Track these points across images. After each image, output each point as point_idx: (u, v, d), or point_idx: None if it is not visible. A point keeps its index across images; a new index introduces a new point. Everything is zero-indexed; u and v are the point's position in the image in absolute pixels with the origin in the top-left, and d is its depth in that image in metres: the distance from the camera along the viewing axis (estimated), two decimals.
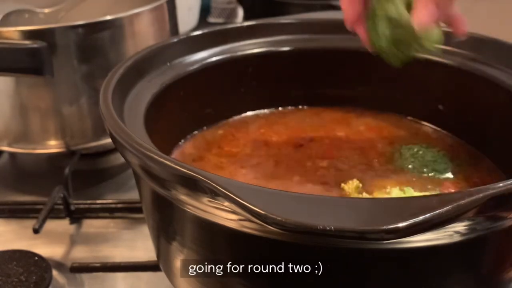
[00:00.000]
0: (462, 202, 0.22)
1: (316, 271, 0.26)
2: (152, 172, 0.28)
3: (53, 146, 0.55)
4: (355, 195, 0.37)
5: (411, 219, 0.21)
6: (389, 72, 0.47)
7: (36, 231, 0.47)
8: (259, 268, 0.28)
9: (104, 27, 0.51)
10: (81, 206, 0.54)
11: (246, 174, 0.41)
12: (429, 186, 0.39)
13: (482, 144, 0.43)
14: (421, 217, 0.21)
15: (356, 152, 0.43)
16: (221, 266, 0.30)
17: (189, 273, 0.32)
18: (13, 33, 0.48)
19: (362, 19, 0.35)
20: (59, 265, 0.47)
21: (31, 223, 0.48)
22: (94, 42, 0.51)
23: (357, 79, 0.49)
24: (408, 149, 0.43)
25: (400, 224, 0.21)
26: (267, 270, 0.28)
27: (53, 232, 0.51)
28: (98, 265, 0.46)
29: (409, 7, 0.33)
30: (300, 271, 0.27)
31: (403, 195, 0.36)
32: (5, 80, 0.51)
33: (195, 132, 0.46)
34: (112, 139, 0.30)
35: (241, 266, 0.29)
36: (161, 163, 0.26)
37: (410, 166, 0.41)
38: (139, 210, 0.51)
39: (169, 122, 0.42)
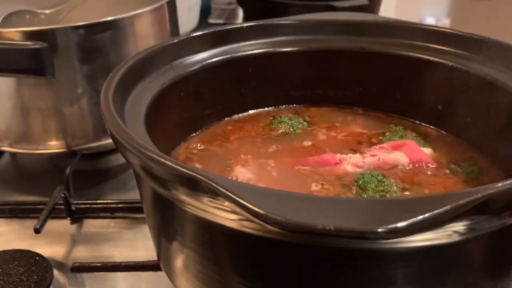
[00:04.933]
0: (461, 202, 0.22)
1: (316, 271, 0.27)
2: (153, 172, 0.28)
3: (54, 146, 0.55)
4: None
5: (410, 219, 0.21)
6: (389, 72, 0.48)
7: (37, 231, 0.47)
8: (259, 268, 0.29)
9: (105, 28, 0.52)
10: (82, 206, 0.54)
11: (246, 173, 0.41)
12: None
13: (482, 144, 0.43)
14: (420, 217, 0.22)
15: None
16: (221, 266, 0.30)
17: (190, 273, 0.32)
18: (14, 34, 0.48)
19: None
20: (60, 265, 0.47)
21: (32, 223, 0.48)
22: (95, 43, 0.52)
23: (356, 80, 0.49)
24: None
25: (400, 224, 0.21)
26: (267, 270, 0.28)
27: (54, 232, 0.52)
28: (99, 265, 0.46)
29: None
30: (300, 271, 0.27)
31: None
32: (7, 80, 0.51)
33: (196, 132, 0.47)
34: (113, 139, 0.30)
35: (241, 266, 0.29)
36: (162, 163, 0.27)
37: None
38: (139, 210, 0.52)
39: (170, 122, 0.42)
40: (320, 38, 0.48)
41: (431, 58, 0.45)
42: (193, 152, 0.44)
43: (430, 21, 2.15)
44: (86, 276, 0.46)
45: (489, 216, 0.25)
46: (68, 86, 0.52)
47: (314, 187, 0.39)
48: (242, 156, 0.43)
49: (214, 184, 0.24)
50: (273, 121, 0.48)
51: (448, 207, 0.22)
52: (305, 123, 0.48)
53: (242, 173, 0.41)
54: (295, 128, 0.47)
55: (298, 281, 0.27)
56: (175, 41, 0.44)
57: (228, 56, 0.46)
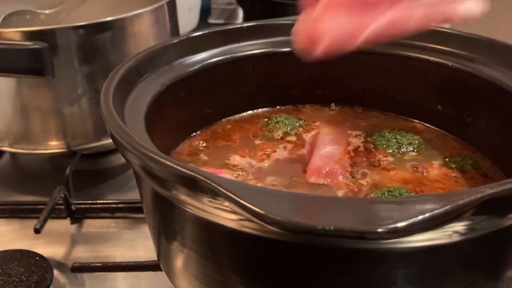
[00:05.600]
0: (460, 202, 0.22)
1: (316, 271, 0.27)
2: (153, 172, 0.28)
3: (54, 146, 0.55)
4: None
5: (410, 219, 0.21)
6: (388, 72, 0.48)
7: (37, 231, 0.47)
8: (259, 268, 0.29)
9: (105, 28, 0.52)
10: (82, 206, 0.54)
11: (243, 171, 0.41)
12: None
13: (482, 144, 0.43)
14: (420, 217, 0.22)
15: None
16: (221, 266, 0.30)
17: (190, 273, 0.32)
18: (14, 34, 0.48)
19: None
20: (60, 265, 0.47)
21: (32, 223, 0.48)
22: (95, 43, 0.52)
23: (356, 80, 0.49)
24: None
25: (399, 224, 0.21)
26: (267, 270, 0.28)
27: (54, 232, 0.52)
28: (99, 265, 0.46)
29: None
30: (300, 271, 0.27)
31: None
32: (7, 80, 0.51)
33: (196, 132, 0.47)
34: (112, 139, 0.30)
35: (241, 266, 0.29)
36: (162, 163, 0.27)
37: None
38: (139, 210, 0.52)
39: (170, 122, 0.42)
40: None
41: (431, 58, 0.45)
42: (193, 151, 0.44)
43: None
44: (86, 276, 0.46)
45: (489, 216, 0.25)
46: (68, 86, 0.52)
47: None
48: (239, 155, 0.43)
49: (214, 184, 0.24)
50: (269, 122, 0.48)
51: (448, 207, 0.22)
52: (305, 122, 0.48)
53: (241, 172, 0.41)
54: (295, 127, 0.47)
55: (298, 281, 0.27)
56: (175, 41, 0.44)
57: (228, 56, 0.46)
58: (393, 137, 0.45)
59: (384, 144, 0.44)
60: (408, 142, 0.44)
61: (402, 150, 0.44)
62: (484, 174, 0.41)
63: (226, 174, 0.40)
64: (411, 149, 0.44)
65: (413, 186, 0.39)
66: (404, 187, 0.38)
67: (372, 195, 0.38)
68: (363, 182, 0.39)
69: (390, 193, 0.37)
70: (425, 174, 0.41)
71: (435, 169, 0.41)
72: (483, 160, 0.42)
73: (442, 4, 0.33)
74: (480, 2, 0.34)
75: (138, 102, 0.37)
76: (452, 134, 0.46)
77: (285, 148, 0.44)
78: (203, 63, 0.44)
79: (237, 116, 0.49)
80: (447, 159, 0.42)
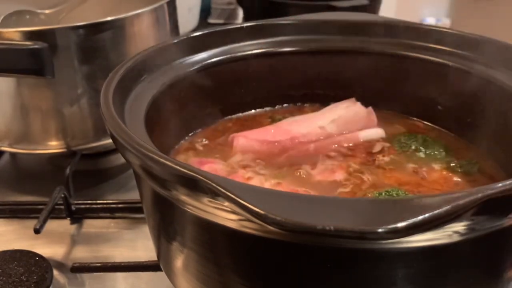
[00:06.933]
0: (461, 202, 0.22)
1: (316, 271, 0.27)
2: (153, 172, 0.28)
3: (54, 146, 0.55)
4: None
5: (410, 219, 0.21)
6: (388, 72, 0.48)
7: (37, 231, 0.47)
8: (259, 268, 0.29)
9: (105, 28, 0.52)
10: (82, 206, 0.54)
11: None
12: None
13: (481, 144, 0.43)
14: (420, 217, 0.22)
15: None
16: (221, 266, 0.30)
17: (189, 273, 0.32)
18: (14, 34, 0.48)
19: None
20: (60, 265, 0.47)
21: (32, 223, 0.48)
22: (95, 43, 0.52)
23: (356, 79, 0.49)
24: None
25: (399, 224, 0.21)
26: (267, 270, 0.28)
27: (54, 232, 0.52)
28: (98, 265, 0.46)
29: None
30: (300, 271, 0.27)
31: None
32: (6, 80, 0.51)
33: (196, 132, 0.47)
34: (112, 139, 0.30)
35: (241, 266, 0.29)
36: (162, 163, 0.27)
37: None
38: (139, 210, 0.52)
39: (170, 122, 0.42)
40: (320, 38, 0.48)
41: (431, 58, 0.45)
42: (192, 149, 0.44)
43: (430, 21, 2.15)
44: (86, 276, 0.46)
45: (489, 216, 0.25)
46: (68, 86, 0.52)
47: None
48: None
49: (214, 184, 0.24)
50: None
51: (448, 207, 0.22)
52: None
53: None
54: None
55: (298, 281, 0.27)
56: (175, 41, 0.44)
57: (228, 56, 0.46)
58: (394, 137, 0.45)
59: (385, 145, 0.44)
60: (409, 142, 0.44)
61: (404, 150, 0.44)
62: (484, 174, 0.41)
63: (216, 164, 0.40)
64: (413, 150, 0.44)
65: (412, 187, 0.39)
66: (403, 188, 0.38)
67: (370, 195, 0.38)
68: (363, 182, 0.39)
69: (388, 194, 0.37)
70: (425, 176, 0.41)
71: (436, 170, 0.41)
72: (484, 160, 0.42)
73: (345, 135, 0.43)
74: (378, 131, 0.45)
75: (138, 102, 0.37)
76: (452, 134, 0.46)
77: None
78: (203, 63, 0.44)
79: (236, 116, 0.49)
80: (449, 160, 0.42)
